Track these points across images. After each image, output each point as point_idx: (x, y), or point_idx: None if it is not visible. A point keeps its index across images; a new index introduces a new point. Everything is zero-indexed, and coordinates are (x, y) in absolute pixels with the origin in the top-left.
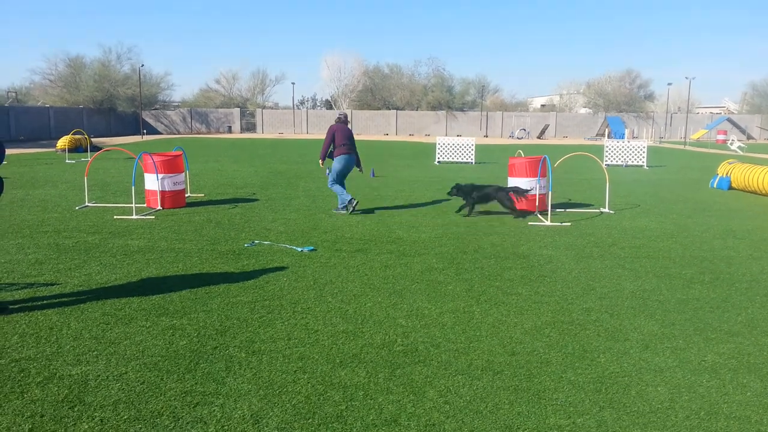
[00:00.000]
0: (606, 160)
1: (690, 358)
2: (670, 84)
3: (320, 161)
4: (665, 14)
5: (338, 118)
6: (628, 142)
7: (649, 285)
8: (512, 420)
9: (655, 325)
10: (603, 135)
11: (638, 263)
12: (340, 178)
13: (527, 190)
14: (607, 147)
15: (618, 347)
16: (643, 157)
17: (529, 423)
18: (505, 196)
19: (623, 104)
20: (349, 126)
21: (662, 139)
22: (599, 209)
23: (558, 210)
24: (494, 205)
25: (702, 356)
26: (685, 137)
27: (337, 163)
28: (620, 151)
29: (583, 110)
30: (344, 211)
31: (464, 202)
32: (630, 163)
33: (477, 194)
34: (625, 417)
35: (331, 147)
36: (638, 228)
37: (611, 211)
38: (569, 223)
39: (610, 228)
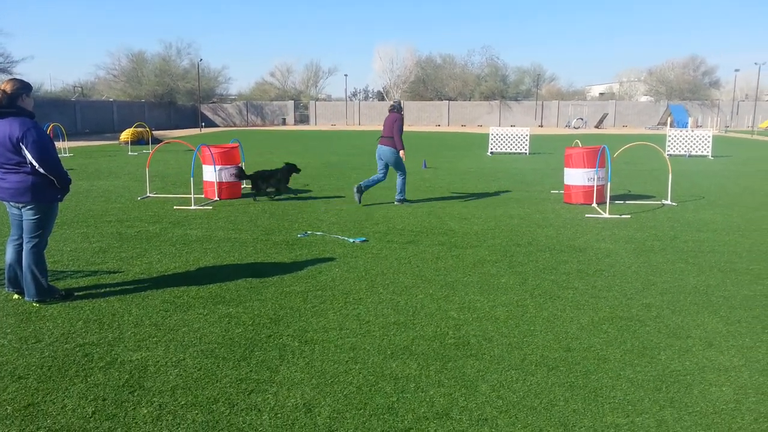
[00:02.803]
0: (668, 150)
1: (758, 358)
2: (737, 70)
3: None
4: None
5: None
6: (692, 131)
7: (714, 280)
8: (567, 417)
9: (719, 322)
10: (665, 124)
11: (702, 257)
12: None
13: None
14: (669, 136)
15: (680, 345)
16: (708, 146)
17: (585, 421)
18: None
19: (687, 92)
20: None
21: (728, 128)
22: (661, 201)
23: (617, 202)
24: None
25: None
26: (752, 126)
27: None
28: (683, 141)
29: (644, 98)
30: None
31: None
32: (694, 153)
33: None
34: (687, 417)
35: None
36: (702, 221)
37: (673, 203)
38: (629, 216)
39: (673, 221)
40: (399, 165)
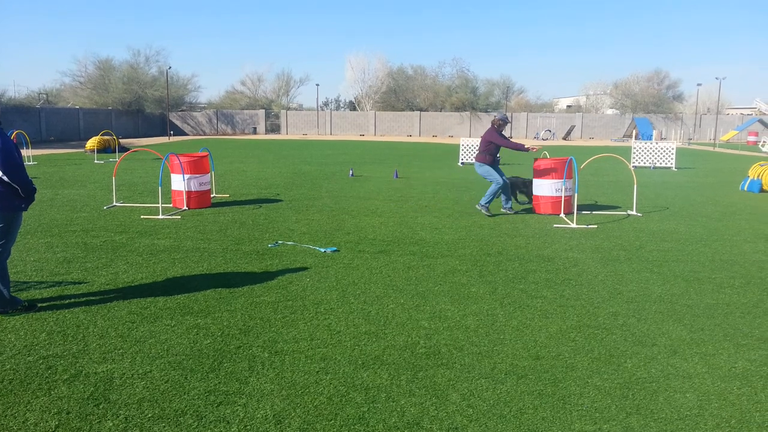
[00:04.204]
0: (633, 162)
1: (720, 365)
2: (699, 84)
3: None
4: (694, 13)
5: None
6: (656, 143)
7: (678, 289)
8: (537, 425)
9: (683, 330)
10: (630, 136)
11: (666, 267)
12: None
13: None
14: (634, 148)
15: (645, 352)
16: (672, 158)
17: (554, 428)
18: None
19: (651, 105)
20: (495, 127)
21: (691, 141)
22: (626, 212)
23: (584, 212)
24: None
25: (732, 363)
26: (714, 139)
27: None
28: (648, 153)
29: (609, 111)
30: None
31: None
32: (658, 164)
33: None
34: (653, 424)
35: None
36: (666, 231)
37: (639, 214)
38: (595, 226)
39: (638, 231)
40: (489, 176)
